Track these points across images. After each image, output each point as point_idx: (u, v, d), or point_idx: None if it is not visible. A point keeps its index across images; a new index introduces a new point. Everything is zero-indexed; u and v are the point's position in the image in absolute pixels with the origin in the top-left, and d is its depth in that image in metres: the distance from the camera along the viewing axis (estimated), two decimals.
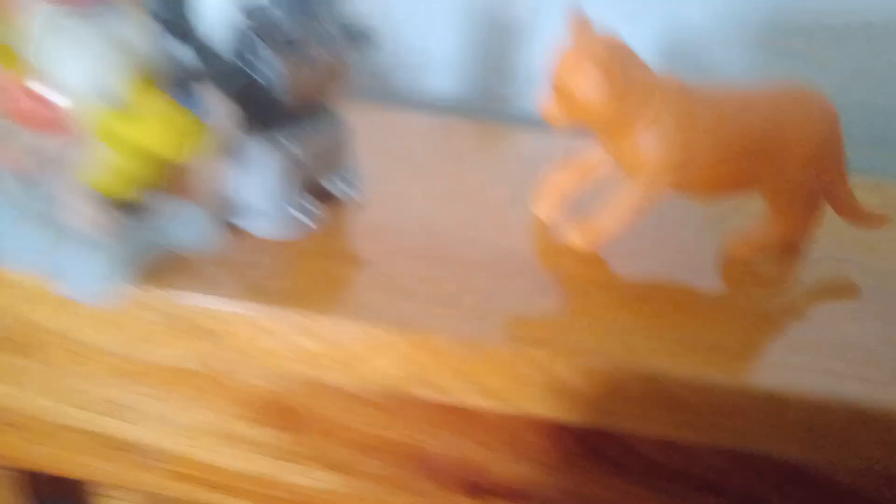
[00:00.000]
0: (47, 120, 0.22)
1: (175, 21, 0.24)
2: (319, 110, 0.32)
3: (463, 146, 0.43)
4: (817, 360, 0.27)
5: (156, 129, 0.21)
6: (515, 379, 0.25)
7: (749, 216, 0.33)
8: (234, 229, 0.30)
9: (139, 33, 0.22)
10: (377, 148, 0.40)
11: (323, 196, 0.33)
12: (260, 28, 0.27)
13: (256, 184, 0.29)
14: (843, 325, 0.29)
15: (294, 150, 0.29)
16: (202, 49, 0.26)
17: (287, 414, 0.28)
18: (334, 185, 0.33)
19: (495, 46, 0.54)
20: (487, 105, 0.55)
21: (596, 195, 0.32)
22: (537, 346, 0.25)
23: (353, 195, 0.33)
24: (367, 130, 0.38)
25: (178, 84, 0.23)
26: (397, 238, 0.31)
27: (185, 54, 0.24)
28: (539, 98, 0.30)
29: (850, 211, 0.34)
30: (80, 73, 0.21)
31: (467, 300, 0.27)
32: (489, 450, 0.28)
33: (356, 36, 0.33)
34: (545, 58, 0.30)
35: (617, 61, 0.28)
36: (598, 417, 0.26)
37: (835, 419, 0.25)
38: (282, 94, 0.27)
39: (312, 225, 0.30)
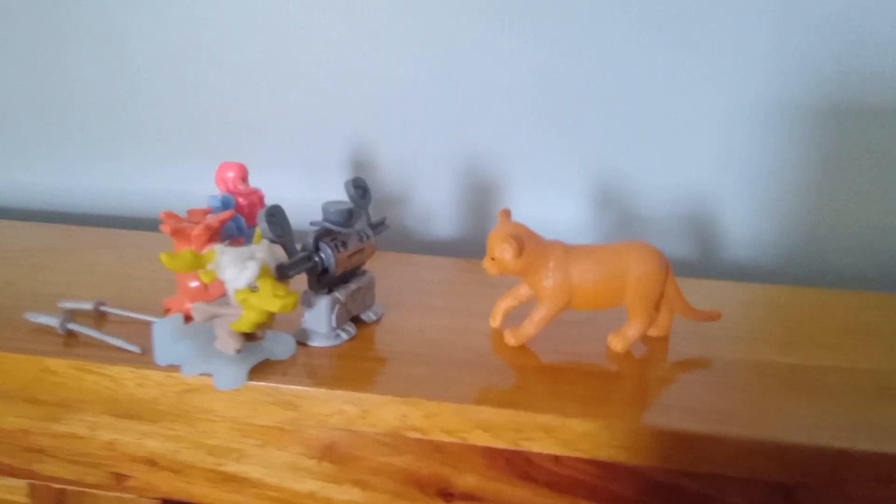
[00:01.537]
0: (220, 295, 0.44)
1: (276, 239, 0.46)
2: (358, 272, 0.54)
3: (454, 278, 0.64)
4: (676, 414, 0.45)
5: (268, 300, 0.43)
6: (468, 423, 0.44)
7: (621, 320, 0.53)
8: (307, 346, 0.51)
9: (261, 248, 0.44)
10: (395, 284, 0.62)
11: (359, 322, 0.54)
12: (320, 235, 0.49)
13: (319, 318, 0.50)
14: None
15: (341, 298, 0.50)
16: (293, 251, 0.48)
17: (334, 453, 0.48)
18: (366, 315, 0.54)
19: (481, 203, 0.76)
20: (473, 246, 0.77)
21: (525, 310, 0.52)
22: (482, 403, 0.44)
23: (375, 319, 0.54)
24: (390, 272, 0.59)
25: (279, 272, 0.45)
26: (404, 345, 0.51)
27: (284, 255, 0.47)
28: (483, 261, 0.51)
29: (691, 314, 0.53)
30: (234, 273, 0.43)
31: (449, 380, 0.47)
32: (455, 469, 0.46)
33: (378, 228, 0.55)
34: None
35: (522, 237, 0.49)
36: (513, 442, 0.44)
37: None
38: (332, 270, 0.49)
39: (346, 338, 0.51)
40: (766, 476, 0.42)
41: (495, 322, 0.55)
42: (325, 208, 0.50)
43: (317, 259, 0.49)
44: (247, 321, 0.45)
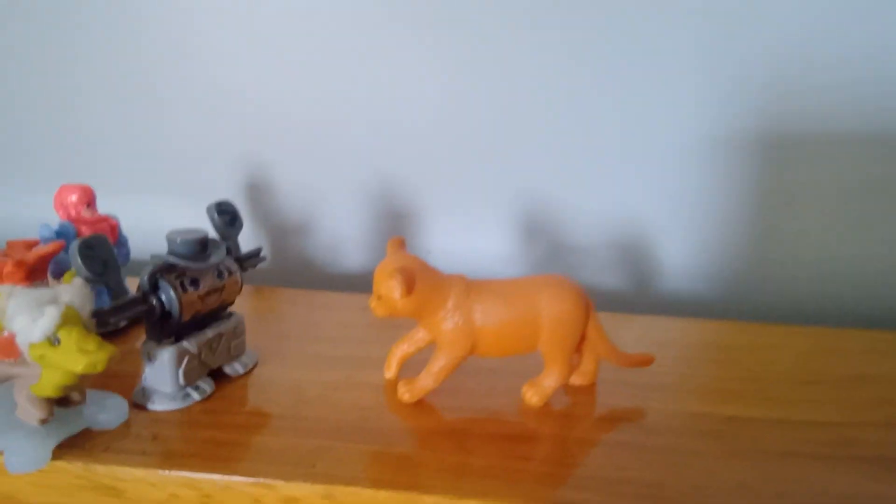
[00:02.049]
0: (10, 352, 0.34)
1: (95, 278, 0.36)
2: (221, 315, 0.44)
3: (351, 320, 0.55)
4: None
5: (72, 356, 0.33)
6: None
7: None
8: (146, 410, 0.41)
9: (68, 289, 0.35)
10: (278, 328, 0.52)
11: (221, 377, 0.44)
12: (159, 270, 0.39)
13: (161, 374, 0.40)
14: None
15: (191, 349, 0.41)
16: (122, 292, 0.38)
17: None
18: (231, 367, 0.44)
19: (395, 232, 0.67)
20: None
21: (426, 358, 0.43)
22: (355, 483, 0.35)
23: (243, 373, 0.45)
24: (276, 313, 0.49)
25: (98, 319, 0.35)
26: (275, 406, 0.42)
27: (106, 297, 0.37)
28: (370, 300, 0.42)
29: (619, 360, 0.45)
30: (25, 322, 0.33)
31: (322, 452, 0.37)
32: None
33: (249, 261, 0.46)
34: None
35: (416, 274, 0.40)
36: None
37: None
38: (176, 314, 0.39)
39: (199, 398, 0.41)
40: None
41: (389, 372, 0.46)
42: (170, 238, 0.41)
43: (154, 301, 0.39)
44: (48, 383, 0.34)
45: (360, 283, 0.68)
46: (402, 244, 0.43)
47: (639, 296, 0.67)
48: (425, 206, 0.66)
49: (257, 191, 0.67)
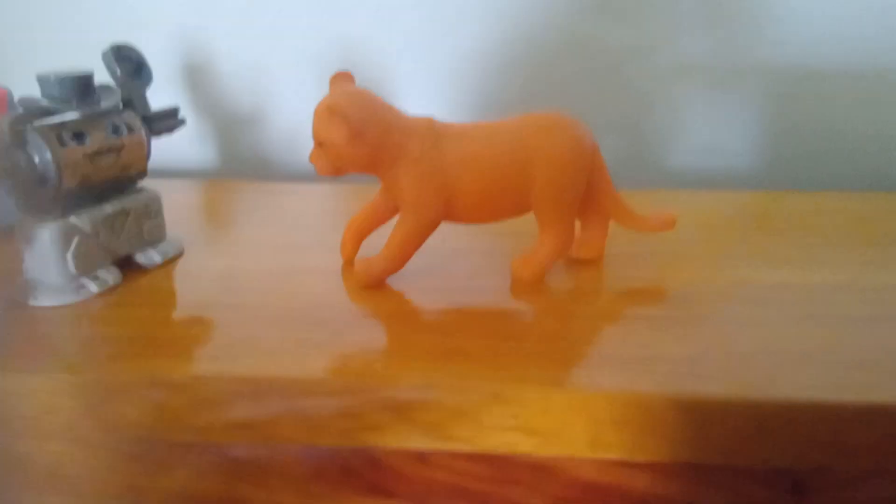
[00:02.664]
0: None
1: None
2: (127, 188, 0.35)
3: (308, 207, 0.45)
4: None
5: None
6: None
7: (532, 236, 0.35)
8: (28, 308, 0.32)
9: None
10: (215, 217, 0.43)
11: (133, 266, 0.35)
12: (25, 118, 0.29)
13: (43, 261, 0.31)
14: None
15: (83, 226, 0.32)
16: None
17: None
18: (144, 255, 0.35)
19: None
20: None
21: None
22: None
23: (160, 262, 0.36)
24: (216, 201, 0.40)
25: None
26: (194, 297, 0.33)
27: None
28: (310, 154, 0.33)
29: (634, 222, 0.36)
30: None
31: (253, 342, 0.29)
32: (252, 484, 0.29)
33: (159, 122, 0.36)
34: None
35: (366, 110, 0.31)
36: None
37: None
38: (52, 178, 0.30)
39: (96, 290, 0.32)
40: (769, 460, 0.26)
41: (345, 252, 0.36)
42: (42, 78, 0.31)
43: (22, 160, 0.29)
44: None
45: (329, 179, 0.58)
46: (348, 78, 0.33)
47: (646, 172, 0.57)
48: (397, 76, 0.56)
49: (200, 74, 0.57)
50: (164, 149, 0.57)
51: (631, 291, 0.34)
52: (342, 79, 0.33)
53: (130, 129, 0.33)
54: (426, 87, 0.56)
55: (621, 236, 0.37)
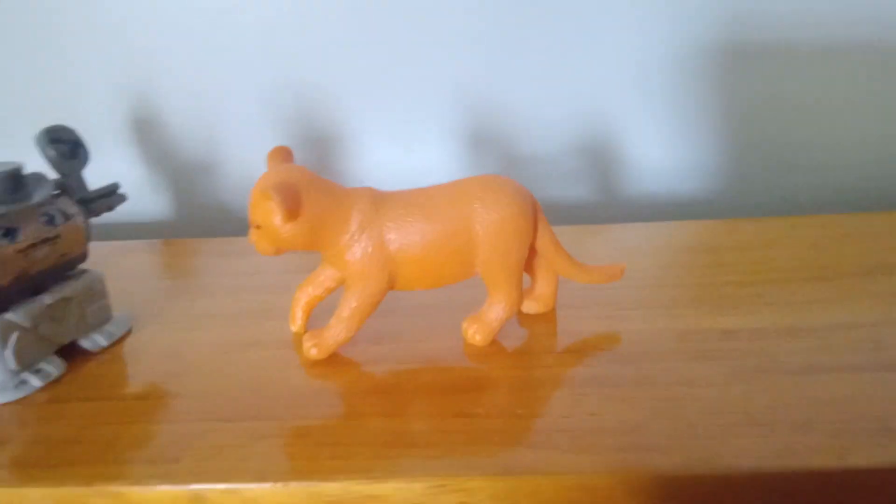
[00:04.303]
0: None
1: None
2: (67, 274, 0.34)
3: (259, 266, 0.45)
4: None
5: None
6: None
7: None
8: None
9: None
10: (166, 285, 0.43)
11: (81, 352, 0.34)
12: None
13: None
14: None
15: (21, 321, 0.31)
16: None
17: None
18: (90, 340, 0.34)
19: (319, 157, 0.57)
20: None
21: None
22: (242, 479, 0.26)
23: (107, 345, 0.35)
24: (166, 266, 0.39)
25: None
26: (144, 379, 0.32)
27: None
28: (249, 234, 0.32)
29: (582, 274, 0.36)
30: None
31: (196, 436, 0.28)
32: None
33: (97, 202, 0.35)
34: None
35: (301, 190, 0.30)
36: None
37: None
38: None
39: (39, 385, 0.31)
40: None
41: (295, 324, 0.36)
42: None
43: None
44: None
45: None
46: (286, 155, 0.33)
47: (611, 206, 0.57)
48: (353, 125, 0.56)
49: (148, 127, 0.56)
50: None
51: (581, 349, 0.33)
52: (279, 154, 0.32)
53: (66, 217, 0.33)
54: (381, 127, 0.55)
55: (572, 288, 0.37)
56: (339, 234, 0.31)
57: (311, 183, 0.31)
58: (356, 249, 0.31)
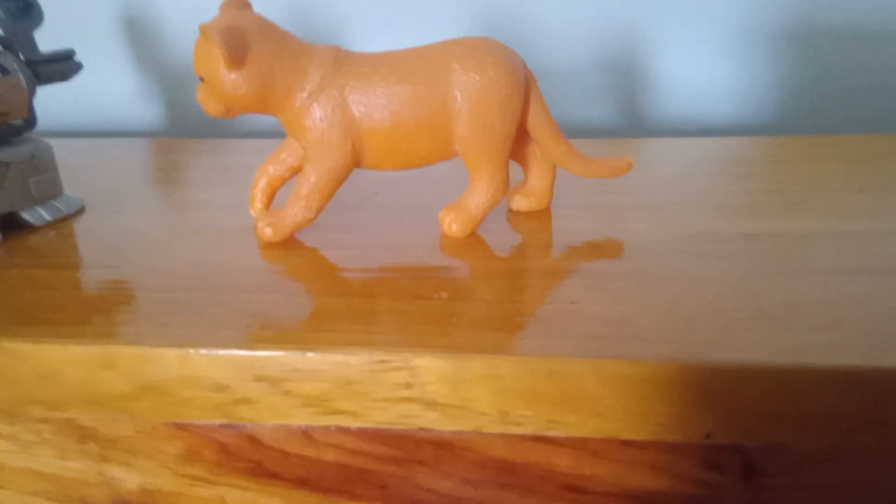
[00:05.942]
0: None
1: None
2: (8, 141, 0.31)
3: (230, 162, 0.42)
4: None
5: None
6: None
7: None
8: None
9: None
10: (126, 175, 0.40)
11: (23, 226, 0.32)
12: None
13: None
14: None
15: None
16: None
17: None
18: (31, 213, 0.32)
19: None
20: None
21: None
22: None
23: (51, 220, 0.32)
24: (138, 161, 0.36)
25: None
26: (75, 257, 0.29)
27: None
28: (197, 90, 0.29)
29: (582, 166, 0.31)
30: None
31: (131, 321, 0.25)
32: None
33: (47, 64, 0.32)
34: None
35: (249, 34, 0.26)
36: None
37: None
38: None
39: None
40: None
41: (254, 209, 0.32)
42: None
43: None
44: None
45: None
46: (242, 3, 0.29)
47: (635, 128, 0.52)
48: (355, 14, 0.51)
49: (139, 28, 0.53)
50: (111, 109, 0.54)
51: (572, 245, 0.29)
52: (234, 4, 0.28)
53: (5, 71, 0.30)
54: (388, 31, 0.51)
55: (572, 185, 0.33)
56: (295, 90, 0.27)
57: (263, 30, 0.27)
58: (315, 111, 0.27)
